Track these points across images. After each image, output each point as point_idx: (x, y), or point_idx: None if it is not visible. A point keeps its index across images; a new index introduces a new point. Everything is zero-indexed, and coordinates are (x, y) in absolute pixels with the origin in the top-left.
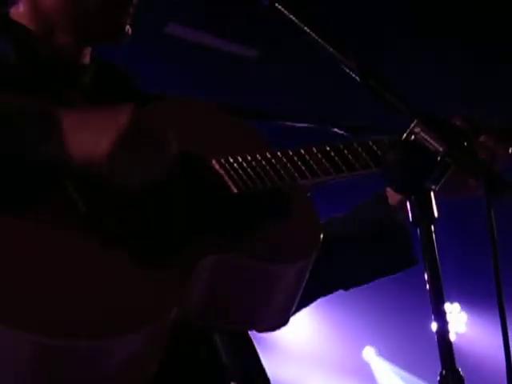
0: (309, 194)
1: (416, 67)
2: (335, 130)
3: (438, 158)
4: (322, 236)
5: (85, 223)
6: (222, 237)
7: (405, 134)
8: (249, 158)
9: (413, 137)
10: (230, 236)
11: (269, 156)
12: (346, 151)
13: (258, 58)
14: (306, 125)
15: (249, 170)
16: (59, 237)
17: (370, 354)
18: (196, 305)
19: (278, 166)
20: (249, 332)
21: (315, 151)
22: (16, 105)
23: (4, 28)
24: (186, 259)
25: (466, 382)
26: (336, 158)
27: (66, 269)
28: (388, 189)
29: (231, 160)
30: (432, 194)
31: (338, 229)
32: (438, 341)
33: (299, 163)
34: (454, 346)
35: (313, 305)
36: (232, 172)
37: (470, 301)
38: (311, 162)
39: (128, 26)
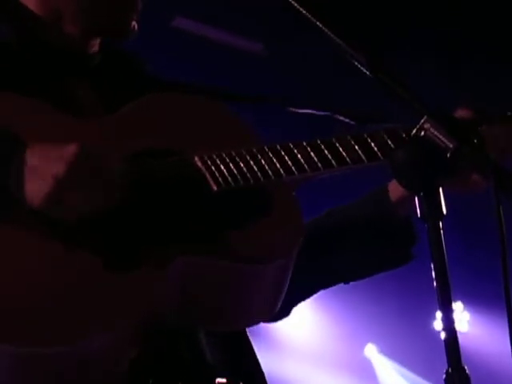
0: (294, 192)
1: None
2: (341, 117)
3: (448, 155)
4: (302, 236)
5: (51, 227)
6: (198, 236)
7: (414, 130)
8: (233, 153)
9: (422, 133)
10: (206, 235)
11: (255, 151)
12: (337, 144)
13: (263, 52)
14: (310, 111)
15: (231, 166)
16: (21, 238)
17: (371, 351)
18: (170, 306)
19: (263, 162)
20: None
21: (305, 145)
22: None
23: (10, 12)
24: (159, 259)
25: None
26: (326, 152)
27: (30, 273)
28: (391, 183)
29: (214, 156)
30: (441, 190)
31: (337, 221)
32: (444, 338)
33: (286, 158)
34: None
35: (315, 301)
36: (213, 169)
37: (472, 300)
38: (299, 156)
39: (134, 22)
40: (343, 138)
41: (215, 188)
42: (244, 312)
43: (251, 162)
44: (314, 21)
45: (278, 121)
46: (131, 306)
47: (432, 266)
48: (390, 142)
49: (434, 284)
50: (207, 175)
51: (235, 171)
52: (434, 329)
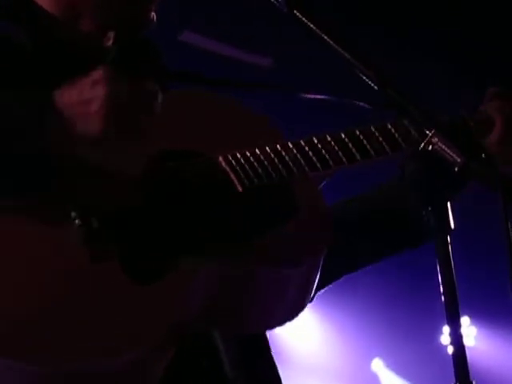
0: (320, 186)
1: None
2: (361, 103)
3: (456, 169)
4: (331, 234)
5: (78, 238)
6: (224, 241)
7: (422, 144)
8: (257, 151)
9: (430, 147)
10: (232, 239)
11: (278, 148)
12: (361, 136)
13: (273, 66)
14: (326, 97)
15: (256, 164)
16: (49, 252)
17: (378, 365)
18: (195, 314)
19: (287, 159)
20: (267, 339)
21: (329, 139)
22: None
23: (25, 13)
24: (185, 267)
25: None
26: (350, 145)
27: (51, 283)
28: None
29: (238, 156)
30: (449, 205)
31: (359, 205)
32: (452, 353)
33: (310, 153)
34: None
35: (322, 315)
36: (238, 168)
37: (479, 314)
38: (323, 151)
39: (153, 13)
40: (366, 129)
41: (240, 188)
42: (271, 315)
43: (275, 160)
44: (323, 35)
45: (294, 109)
46: (157, 319)
47: (440, 280)
48: (413, 132)
49: (442, 298)
50: (232, 175)
51: (260, 170)
52: (441, 343)
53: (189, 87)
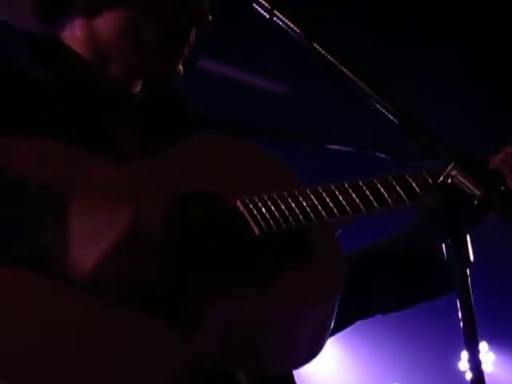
0: (337, 233)
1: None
2: (377, 154)
3: (475, 202)
4: (345, 280)
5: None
6: (240, 281)
7: (441, 177)
8: (275, 196)
9: (449, 180)
10: (248, 281)
11: (296, 193)
12: (379, 185)
13: (288, 93)
14: (350, 149)
15: (273, 209)
16: (62, 293)
17: None
18: (210, 353)
19: (304, 205)
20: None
21: (346, 186)
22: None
23: (53, 52)
24: (201, 303)
25: None
26: (367, 193)
27: (66, 325)
28: None
29: (256, 200)
30: (468, 237)
31: (375, 252)
32: (471, 379)
33: (327, 200)
34: None
35: (339, 340)
36: (256, 212)
37: (497, 340)
38: (341, 198)
39: (180, 67)
40: (384, 178)
41: (257, 232)
42: (287, 356)
43: (293, 205)
44: (341, 67)
45: (313, 158)
46: (170, 358)
47: (458, 306)
48: (430, 185)
49: (460, 325)
50: (249, 219)
51: (277, 214)
52: (459, 369)
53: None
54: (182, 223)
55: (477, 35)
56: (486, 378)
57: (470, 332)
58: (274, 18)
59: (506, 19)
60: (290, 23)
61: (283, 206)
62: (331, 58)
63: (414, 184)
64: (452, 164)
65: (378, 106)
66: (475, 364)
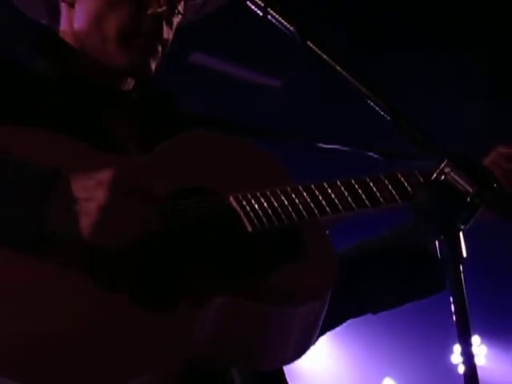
0: (328, 231)
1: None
2: (370, 153)
3: (468, 199)
4: (335, 278)
5: (89, 268)
6: (232, 277)
7: (435, 174)
8: (268, 193)
9: (443, 177)
10: (240, 276)
11: (289, 191)
12: (371, 184)
13: (282, 87)
14: (339, 147)
15: (266, 206)
16: (60, 277)
17: None
18: (205, 346)
19: (297, 202)
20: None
21: (339, 184)
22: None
23: (51, 47)
24: (196, 299)
25: None
26: (360, 192)
27: (65, 314)
28: None
29: (249, 196)
30: (461, 233)
31: (368, 250)
32: (463, 372)
33: (320, 198)
34: None
35: (332, 335)
36: (249, 209)
37: (489, 333)
38: (333, 196)
39: (149, 62)
40: (377, 177)
41: (250, 228)
42: (278, 352)
43: (286, 202)
44: (334, 65)
45: (306, 156)
46: (168, 348)
47: (451, 301)
48: (423, 182)
49: (453, 318)
50: (242, 215)
51: (270, 211)
52: (451, 362)
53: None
54: (175, 217)
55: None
56: (479, 371)
57: (462, 326)
58: (268, 16)
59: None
60: (283, 21)
61: (276, 203)
62: (325, 56)
63: (406, 183)
64: (445, 161)
65: (371, 103)
66: (468, 357)
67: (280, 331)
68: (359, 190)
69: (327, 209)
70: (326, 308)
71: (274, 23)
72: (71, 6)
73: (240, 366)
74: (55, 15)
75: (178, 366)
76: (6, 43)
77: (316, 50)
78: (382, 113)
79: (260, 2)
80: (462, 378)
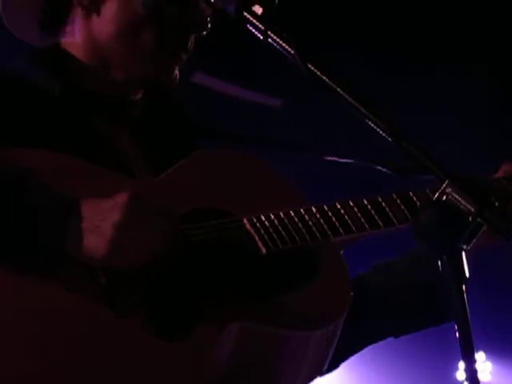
0: (341, 251)
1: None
2: (379, 168)
3: (470, 219)
4: (350, 299)
5: (103, 293)
6: (249, 301)
7: (436, 194)
8: (281, 215)
9: (444, 197)
10: (256, 300)
11: (302, 212)
12: (383, 203)
13: (283, 107)
14: (349, 161)
15: (280, 228)
16: (75, 303)
17: None
18: (219, 372)
19: (310, 223)
20: None
21: (351, 205)
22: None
23: (53, 59)
24: (210, 325)
25: None
26: (372, 212)
27: (78, 340)
28: None
29: (263, 218)
30: (463, 253)
31: (385, 279)
32: None
33: (333, 219)
34: None
35: None
36: (263, 231)
37: (495, 350)
38: (346, 217)
39: (177, 72)
40: (389, 196)
41: (264, 251)
42: (292, 375)
43: (299, 224)
44: (335, 87)
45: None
46: (182, 376)
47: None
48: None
49: (457, 335)
50: (256, 238)
51: (283, 233)
52: (456, 379)
53: (214, 144)
54: (188, 240)
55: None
56: None
57: (466, 344)
58: (269, 39)
59: None
60: (284, 44)
61: (289, 225)
62: (325, 79)
63: (418, 203)
64: (447, 181)
65: (373, 125)
66: (472, 374)
67: (295, 354)
68: (372, 211)
69: (340, 230)
70: (339, 331)
71: (274, 46)
72: (91, 16)
73: None
74: (51, 29)
75: None
76: (6, 56)
77: (317, 72)
78: (384, 134)
79: (260, 26)
80: None
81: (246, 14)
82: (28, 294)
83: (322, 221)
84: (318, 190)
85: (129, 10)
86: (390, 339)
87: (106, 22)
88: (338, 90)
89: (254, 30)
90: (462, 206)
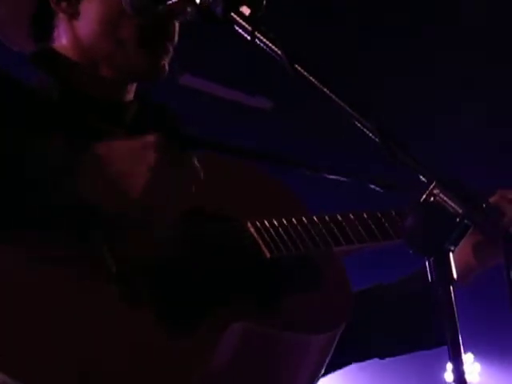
0: (343, 261)
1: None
2: (372, 186)
3: (457, 220)
4: (351, 307)
5: (113, 280)
6: (252, 303)
7: (424, 196)
8: (284, 222)
9: (432, 198)
10: (259, 302)
11: (305, 221)
12: (383, 219)
13: (272, 109)
14: (341, 178)
15: (283, 234)
16: (85, 290)
17: None
18: (220, 370)
19: (312, 232)
20: None
21: (352, 218)
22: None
23: (48, 62)
24: (213, 324)
25: None
26: (372, 226)
27: (87, 328)
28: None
29: (267, 223)
30: (451, 255)
31: (381, 297)
32: None
33: (335, 230)
34: None
35: None
36: (266, 236)
37: (483, 351)
38: (347, 228)
39: (165, 63)
40: (387, 212)
41: (268, 255)
42: (290, 380)
43: (301, 232)
44: (322, 88)
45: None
46: (182, 373)
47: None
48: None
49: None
50: (260, 242)
51: (287, 239)
52: (444, 380)
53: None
54: (192, 241)
55: None
56: None
57: (454, 346)
58: (256, 40)
59: None
60: (271, 45)
61: (292, 232)
62: (313, 80)
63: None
64: (434, 182)
65: (360, 125)
66: (459, 375)
67: (293, 358)
68: (372, 225)
69: (341, 239)
70: (337, 338)
71: (262, 47)
72: (73, 18)
73: None
74: (43, 36)
75: None
76: (3, 58)
77: (304, 73)
78: (371, 135)
79: (248, 27)
80: None
81: (233, 14)
82: (40, 287)
83: (323, 230)
84: (311, 201)
85: (107, 5)
86: None
87: (87, 21)
88: (325, 90)
89: (241, 31)
90: (449, 207)
